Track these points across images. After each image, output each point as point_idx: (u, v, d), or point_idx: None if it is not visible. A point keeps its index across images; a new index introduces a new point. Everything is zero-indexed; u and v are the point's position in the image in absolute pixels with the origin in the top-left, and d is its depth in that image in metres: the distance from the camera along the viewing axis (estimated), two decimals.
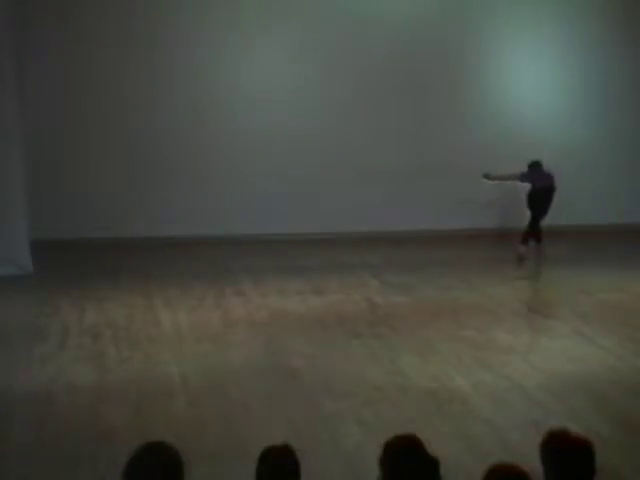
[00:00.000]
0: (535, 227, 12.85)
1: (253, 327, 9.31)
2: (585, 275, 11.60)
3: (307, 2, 13.98)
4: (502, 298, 10.50)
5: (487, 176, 13.08)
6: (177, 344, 8.67)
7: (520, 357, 8.29)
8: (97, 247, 12.87)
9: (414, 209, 14.20)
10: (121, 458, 3.59)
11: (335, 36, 13.94)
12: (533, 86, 14.51)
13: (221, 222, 13.67)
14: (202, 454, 5.81)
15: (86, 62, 13.35)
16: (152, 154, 13.62)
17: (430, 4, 14.24)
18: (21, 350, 8.62)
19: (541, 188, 12.73)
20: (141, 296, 10.48)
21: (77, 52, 13.33)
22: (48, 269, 11.58)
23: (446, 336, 8.89)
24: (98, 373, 7.78)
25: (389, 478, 3.58)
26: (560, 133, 14.39)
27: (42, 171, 12.95)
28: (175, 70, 13.61)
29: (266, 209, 13.81)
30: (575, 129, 14.12)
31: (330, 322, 9.48)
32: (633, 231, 14.04)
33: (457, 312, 9.85)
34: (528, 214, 12.95)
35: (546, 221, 13.12)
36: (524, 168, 12.86)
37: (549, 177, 12.74)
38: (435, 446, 3.76)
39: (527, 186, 12.87)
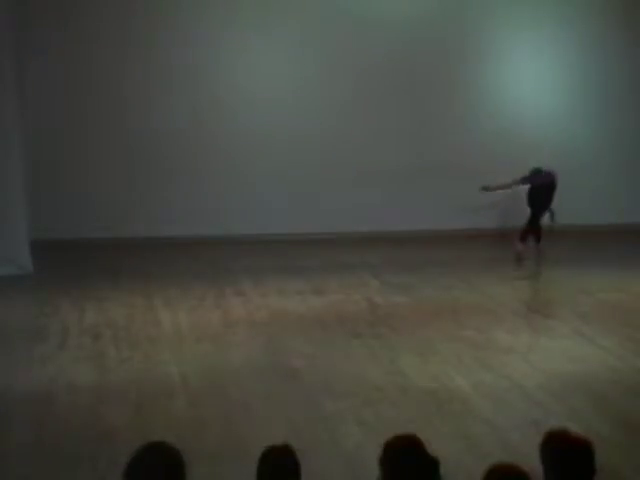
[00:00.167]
0: (535, 224, 12.84)
1: (253, 327, 9.30)
2: (585, 275, 11.60)
3: (307, 2, 13.98)
4: (502, 298, 10.50)
5: (486, 188, 13.01)
6: (177, 344, 8.67)
7: (520, 357, 8.28)
8: (97, 247, 12.87)
9: (414, 209, 14.20)
10: (121, 458, 3.59)
11: (335, 36, 13.94)
12: (533, 86, 14.50)
13: (221, 222, 13.67)
14: (202, 454, 5.80)
15: (86, 62, 13.35)
16: (152, 154, 13.62)
17: (430, 4, 14.24)
18: (21, 350, 8.61)
19: (541, 185, 12.73)
20: (141, 296, 10.48)
21: (77, 52, 13.33)
22: (48, 269, 11.58)
23: (446, 336, 8.89)
24: (98, 373, 7.78)
25: (389, 478, 3.58)
26: (560, 133, 14.39)
27: (42, 171, 12.95)
28: (175, 70, 13.60)
29: (266, 209, 13.81)
30: (575, 129, 14.12)
31: (330, 322, 9.48)
32: (633, 231, 14.04)
33: (457, 312, 9.85)
34: (528, 212, 12.95)
35: (546, 221, 13.13)
36: (524, 168, 12.86)
37: (549, 175, 12.73)
38: (435, 446, 3.76)
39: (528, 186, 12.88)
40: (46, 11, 13.15)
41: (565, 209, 13.46)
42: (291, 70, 13.94)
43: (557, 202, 12.92)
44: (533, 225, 12.80)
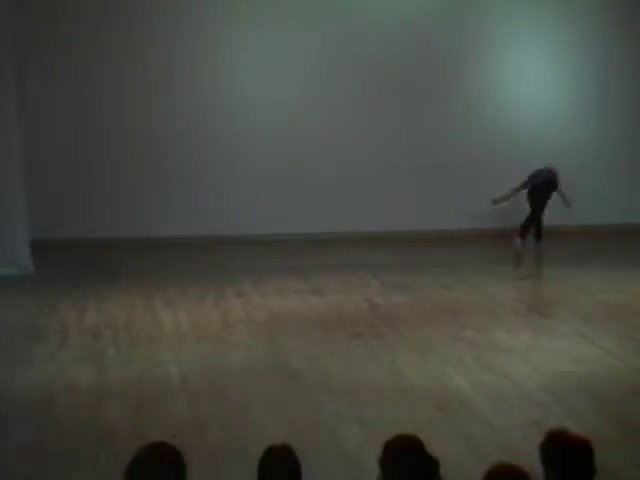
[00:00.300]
0: (535, 222, 12.84)
1: (253, 327, 9.30)
2: (585, 275, 11.60)
3: (307, 2, 13.98)
4: (502, 298, 10.50)
5: (495, 201, 12.97)
6: (177, 344, 8.67)
7: (520, 357, 8.28)
8: (97, 247, 12.88)
9: (414, 209, 14.20)
10: (121, 458, 3.59)
11: (335, 36, 13.95)
12: (533, 86, 14.51)
13: (221, 222, 13.67)
14: (202, 454, 5.80)
15: (86, 62, 13.36)
16: (152, 154, 13.62)
17: (430, 4, 14.25)
18: (21, 350, 8.61)
19: (540, 183, 12.74)
20: (141, 296, 10.49)
21: (77, 52, 13.34)
22: (48, 269, 11.58)
23: (446, 336, 8.89)
24: (98, 373, 7.78)
25: (389, 478, 3.58)
26: (560, 133, 14.40)
27: (42, 171, 12.95)
28: (175, 70, 13.61)
29: (266, 209, 13.81)
30: (575, 129, 14.12)
31: (330, 322, 9.48)
32: (634, 231, 14.05)
33: (457, 312, 9.85)
34: (528, 211, 12.96)
35: (546, 221, 13.12)
36: (524, 168, 12.88)
37: (549, 172, 12.73)
38: (435, 446, 3.76)
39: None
40: (46, 11, 13.17)
41: (566, 209, 13.46)
42: (291, 70, 13.95)
43: (557, 202, 12.93)
44: (533, 221, 12.78)
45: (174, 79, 13.64)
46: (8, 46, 11.31)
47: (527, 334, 9.38)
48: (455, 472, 4.80)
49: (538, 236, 12.97)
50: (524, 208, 13.27)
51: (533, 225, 12.81)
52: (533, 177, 12.74)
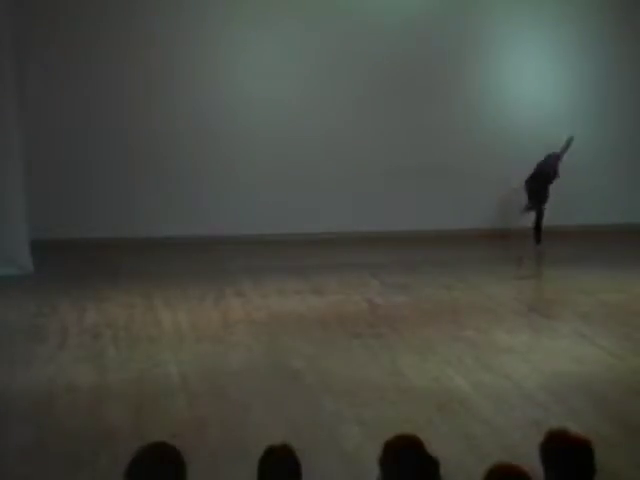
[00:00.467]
0: (537, 221, 12.91)
1: (253, 327, 9.30)
2: (585, 275, 11.60)
3: (307, 1, 13.98)
4: (502, 298, 10.50)
5: (526, 209, 13.05)
6: (177, 344, 8.67)
7: (520, 357, 8.28)
8: (97, 247, 12.88)
9: (414, 209, 14.20)
10: (121, 458, 3.59)
11: (335, 36, 13.94)
12: (533, 86, 14.50)
13: (221, 222, 13.67)
14: (202, 454, 5.80)
15: (86, 62, 13.36)
16: (152, 154, 13.62)
17: (431, 4, 14.25)
18: (21, 350, 8.61)
19: (540, 173, 12.82)
20: (141, 296, 10.48)
21: (77, 52, 13.34)
22: (48, 269, 11.58)
23: (446, 336, 8.89)
24: (98, 373, 7.78)
25: (389, 478, 3.58)
26: (560, 133, 14.37)
27: (42, 171, 12.94)
28: (175, 70, 13.61)
29: (266, 209, 13.81)
30: (575, 129, 14.09)
31: (330, 322, 9.48)
32: (634, 231, 14.04)
33: (457, 312, 9.85)
34: (529, 214, 12.99)
35: (546, 221, 13.15)
36: (524, 168, 12.92)
37: (549, 164, 12.81)
38: (435, 446, 3.76)
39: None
40: (46, 11, 13.17)
41: (565, 209, 13.47)
42: (291, 70, 13.95)
43: (558, 202, 13.00)
44: (540, 222, 12.87)
45: (174, 79, 13.64)
46: (8, 46, 11.30)
47: (527, 334, 9.38)
48: (455, 472, 4.80)
49: (538, 238, 13.01)
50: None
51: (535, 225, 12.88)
52: (535, 173, 12.83)
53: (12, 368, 7.94)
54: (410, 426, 5.20)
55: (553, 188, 13.21)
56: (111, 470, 5.39)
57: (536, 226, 13.13)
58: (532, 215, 13.29)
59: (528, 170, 13.15)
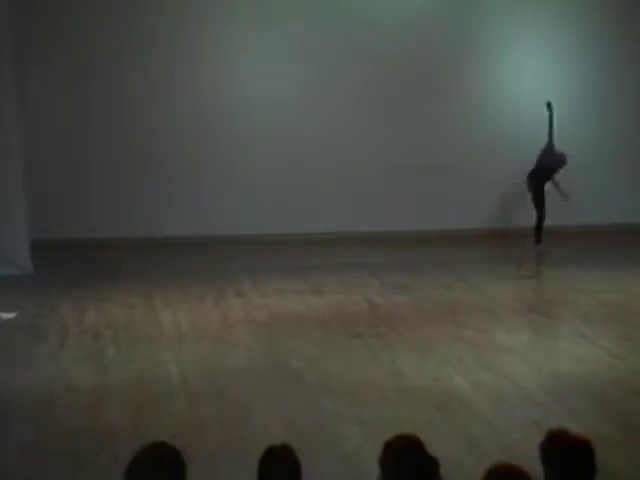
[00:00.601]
0: (538, 220, 12.93)
1: (253, 327, 9.30)
2: (585, 275, 11.59)
3: (307, 1, 13.98)
4: (502, 298, 10.49)
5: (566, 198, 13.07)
6: (177, 344, 8.67)
7: (520, 357, 8.28)
8: (97, 247, 12.88)
9: (414, 209, 14.20)
10: (121, 458, 3.59)
11: (335, 36, 13.95)
12: (533, 86, 14.49)
13: (221, 222, 13.67)
14: (202, 454, 5.80)
15: (86, 62, 13.36)
16: (152, 154, 13.62)
17: (431, 4, 14.25)
18: (21, 350, 8.61)
19: (540, 169, 12.88)
20: (141, 296, 10.48)
21: (77, 52, 13.35)
22: (48, 269, 11.58)
23: (446, 336, 8.89)
24: (98, 373, 7.78)
25: (389, 478, 3.58)
26: (560, 133, 14.35)
27: (42, 171, 12.95)
28: (175, 70, 13.62)
29: (266, 209, 13.81)
30: (575, 129, 14.11)
31: (330, 322, 9.48)
32: (634, 231, 14.04)
33: (457, 312, 9.84)
34: (529, 214, 12.99)
35: (546, 221, 13.15)
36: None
37: (553, 159, 12.86)
38: (435, 446, 3.76)
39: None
40: (46, 11, 13.17)
41: (565, 209, 13.47)
42: (291, 70, 13.95)
43: (558, 202, 12.98)
44: (542, 222, 12.89)
45: (174, 79, 13.64)
46: (8, 46, 11.30)
47: (527, 334, 9.39)
48: (455, 472, 4.80)
49: (538, 238, 13.00)
50: (524, 209, 13.31)
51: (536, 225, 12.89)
52: (543, 156, 12.90)
53: (12, 368, 7.94)
54: (410, 426, 5.20)
55: (553, 188, 13.21)
56: (111, 470, 5.39)
57: (537, 226, 13.13)
58: (532, 215, 13.28)
59: (528, 170, 13.15)
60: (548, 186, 13.16)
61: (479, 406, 6.99)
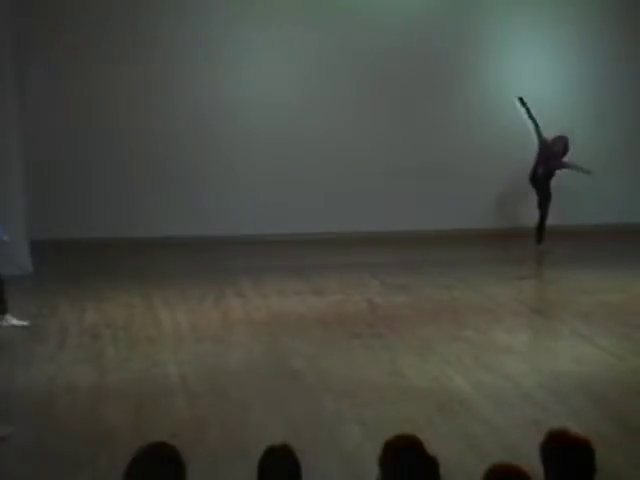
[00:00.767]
0: (544, 221, 12.95)
1: (253, 327, 9.30)
2: (585, 275, 11.58)
3: (307, 1, 13.98)
4: (502, 298, 10.49)
5: (588, 172, 13.09)
6: (177, 344, 8.67)
7: (520, 357, 8.28)
8: (97, 247, 12.87)
9: (414, 209, 14.19)
10: (121, 458, 3.59)
11: (335, 36, 13.94)
12: (533, 85, 14.48)
13: (221, 222, 13.67)
14: (202, 454, 5.80)
15: (86, 62, 13.35)
16: (152, 154, 13.62)
17: (430, 4, 14.25)
18: (21, 350, 8.61)
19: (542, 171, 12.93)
20: (140, 296, 10.48)
21: (77, 52, 13.34)
22: (48, 269, 11.58)
23: (446, 336, 8.89)
24: (98, 373, 7.78)
25: (389, 478, 3.58)
26: (560, 133, 14.37)
27: (42, 171, 12.94)
28: (175, 71, 13.61)
29: (266, 209, 13.80)
30: (575, 129, 14.09)
31: (330, 322, 9.48)
32: (633, 231, 14.03)
33: (457, 312, 9.84)
34: (529, 214, 12.99)
35: (547, 221, 13.15)
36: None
37: (550, 156, 12.89)
38: (435, 446, 3.75)
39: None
40: (46, 12, 13.16)
41: (565, 209, 13.46)
42: (291, 70, 13.94)
43: (558, 202, 13.00)
44: (544, 222, 12.92)
45: (174, 79, 13.63)
46: (8, 46, 11.30)
47: (527, 334, 9.40)
48: (455, 472, 4.80)
49: (539, 238, 13.00)
50: (524, 209, 13.30)
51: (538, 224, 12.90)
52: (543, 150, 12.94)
53: (12, 368, 7.94)
54: (410, 426, 5.20)
55: (553, 188, 13.20)
56: (111, 470, 5.39)
57: (539, 225, 13.11)
58: (532, 215, 13.28)
59: (528, 170, 13.14)
60: (554, 183, 13.14)
61: (479, 406, 7.00)
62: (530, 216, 13.37)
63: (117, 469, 3.57)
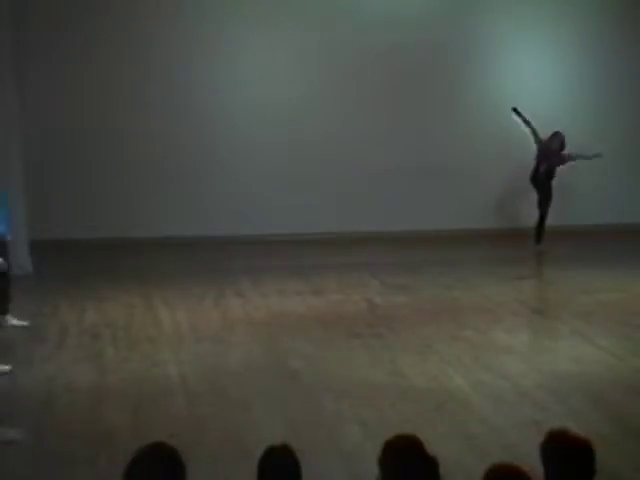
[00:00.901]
0: (543, 221, 12.95)
1: (253, 327, 9.30)
2: (585, 275, 11.59)
3: (307, 2, 13.98)
4: (502, 298, 10.49)
5: (597, 154, 13.11)
6: (177, 344, 8.67)
7: (520, 357, 8.29)
8: (97, 247, 12.87)
9: (414, 209, 14.19)
10: (121, 458, 3.59)
11: (334, 37, 13.93)
12: (533, 85, 14.49)
13: (221, 222, 13.67)
14: (202, 454, 5.80)
15: (85, 62, 13.35)
16: (152, 154, 13.61)
17: (431, 4, 14.25)
18: (21, 350, 8.61)
19: (542, 170, 12.94)
20: (140, 296, 10.48)
21: (76, 52, 13.33)
22: (48, 269, 11.58)
23: (446, 336, 8.89)
24: (97, 373, 7.78)
25: (389, 478, 3.58)
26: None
27: (42, 171, 12.94)
28: (175, 71, 13.60)
29: (266, 209, 13.80)
30: (575, 128, 14.09)
31: (330, 322, 9.48)
32: (633, 231, 14.03)
33: (457, 312, 9.84)
34: (529, 214, 12.99)
35: (547, 221, 13.15)
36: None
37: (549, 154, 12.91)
38: (435, 446, 3.75)
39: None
40: (46, 12, 13.16)
41: (565, 209, 13.46)
42: (291, 70, 13.94)
43: (558, 202, 13.00)
44: (544, 222, 12.92)
45: (174, 79, 13.62)
46: (8, 46, 11.30)
47: (527, 334, 9.40)
48: (455, 472, 4.81)
49: (538, 238, 12.99)
50: (524, 209, 13.30)
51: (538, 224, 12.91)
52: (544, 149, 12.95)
53: (12, 368, 7.93)
54: (410, 426, 5.21)
55: (554, 188, 13.20)
56: (110, 470, 5.39)
57: (538, 225, 13.12)
58: (532, 215, 13.28)
59: (527, 170, 13.15)
60: (554, 183, 13.14)
61: (479, 406, 7.00)
62: (530, 216, 13.38)
63: (117, 469, 3.56)
